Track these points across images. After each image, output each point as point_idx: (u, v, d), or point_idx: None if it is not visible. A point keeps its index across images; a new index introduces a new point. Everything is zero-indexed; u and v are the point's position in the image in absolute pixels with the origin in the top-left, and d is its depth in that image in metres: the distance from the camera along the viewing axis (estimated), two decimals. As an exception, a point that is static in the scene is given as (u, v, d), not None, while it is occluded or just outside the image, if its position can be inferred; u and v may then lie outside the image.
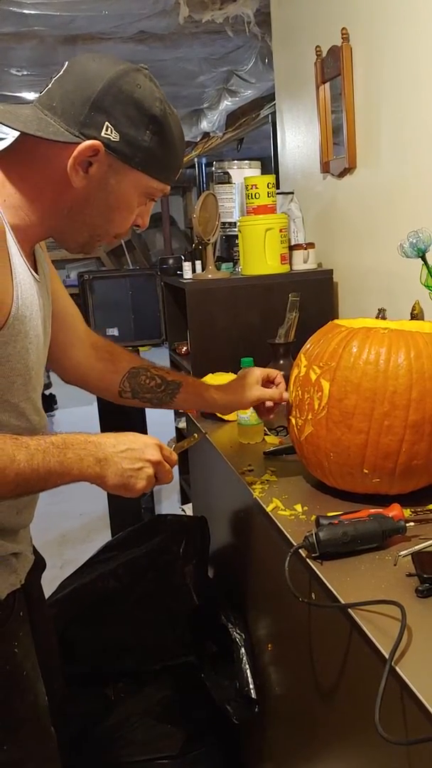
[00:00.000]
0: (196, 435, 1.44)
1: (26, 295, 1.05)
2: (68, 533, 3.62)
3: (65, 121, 1.00)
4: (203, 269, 2.45)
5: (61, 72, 1.04)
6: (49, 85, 1.03)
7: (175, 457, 1.14)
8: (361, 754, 1.01)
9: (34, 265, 1.12)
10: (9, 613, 1.15)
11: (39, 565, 1.35)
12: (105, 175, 1.04)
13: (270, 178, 2.40)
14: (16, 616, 1.16)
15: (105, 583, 1.72)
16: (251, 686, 1.53)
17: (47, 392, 5.73)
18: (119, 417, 3.46)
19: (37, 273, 1.11)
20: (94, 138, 1.00)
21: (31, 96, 4.48)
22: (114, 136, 1.01)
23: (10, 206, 1.04)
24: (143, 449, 1.07)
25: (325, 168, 2.43)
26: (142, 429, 3.51)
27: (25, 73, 3.98)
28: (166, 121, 1.05)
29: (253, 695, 1.53)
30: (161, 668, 1.71)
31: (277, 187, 2.57)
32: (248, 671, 1.55)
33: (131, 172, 1.05)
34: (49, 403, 5.82)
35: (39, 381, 1.16)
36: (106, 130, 1.00)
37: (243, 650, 1.58)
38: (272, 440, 1.73)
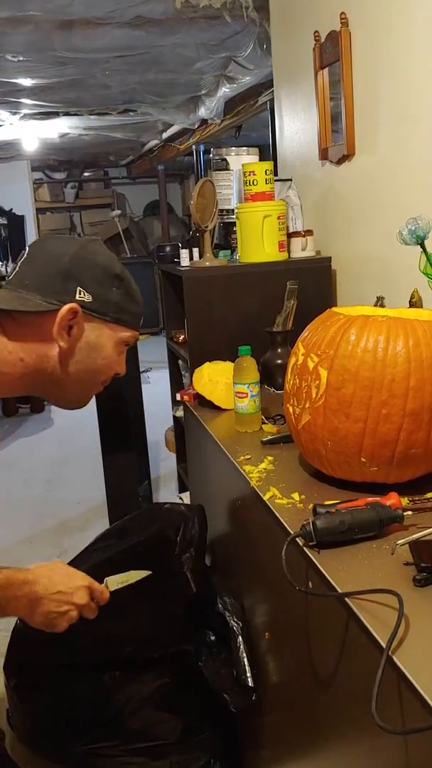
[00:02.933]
0: (135, 573, 1.38)
1: None
2: (66, 521, 3.62)
3: (41, 294, 1.12)
4: (201, 257, 2.44)
5: (26, 256, 1.16)
6: (17, 269, 1.15)
7: (106, 596, 1.26)
8: (358, 742, 1.01)
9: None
10: None
11: None
12: (84, 334, 1.15)
13: (268, 165, 2.38)
14: None
15: (103, 571, 1.71)
16: (248, 674, 1.54)
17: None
18: (116, 404, 3.46)
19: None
20: (71, 302, 1.12)
21: (26, 82, 4.43)
22: (87, 298, 1.13)
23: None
24: (73, 593, 1.18)
25: (324, 155, 2.41)
26: (140, 416, 3.51)
27: (21, 58, 3.94)
28: (125, 276, 1.19)
29: (251, 683, 1.53)
30: (159, 656, 1.71)
31: (275, 174, 2.55)
32: (245, 659, 1.55)
33: (106, 326, 1.17)
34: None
35: None
36: (80, 294, 1.13)
37: (240, 638, 1.58)
38: (270, 429, 1.73)
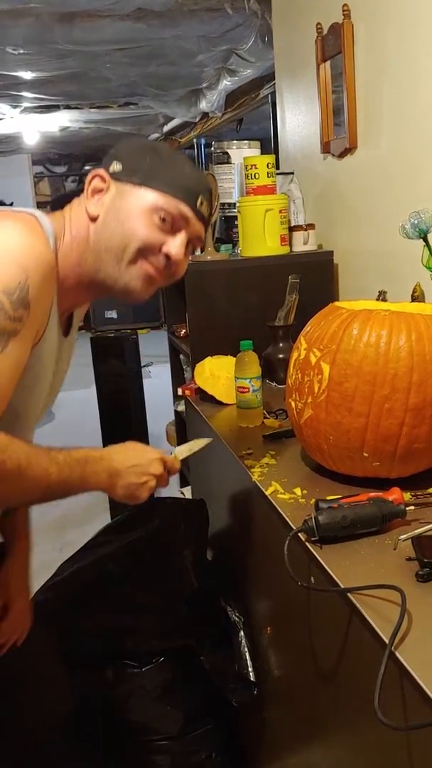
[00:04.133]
0: (200, 441, 1.40)
1: (49, 341, 1.13)
2: (67, 515, 3.62)
3: None
4: (202, 251, 2.43)
5: None
6: None
7: (177, 465, 1.27)
8: (360, 738, 1.01)
9: (66, 325, 1.24)
10: None
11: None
12: (113, 200, 1.14)
13: (270, 158, 2.37)
14: None
15: (104, 566, 1.72)
16: (250, 669, 1.54)
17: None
18: (117, 398, 3.46)
19: (67, 333, 1.24)
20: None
21: (27, 75, 4.41)
22: (117, 167, 1.14)
23: (59, 252, 1.14)
24: (149, 464, 1.19)
25: (326, 148, 2.40)
26: (141, 411, 3.51)
27: (22, 51, 3.92)
28: (165, 147, 1.18)
29: (252, 678, 1.54)
30: (160, 651, 1.71)
31: (277, 167, 2.54)
32: (247, 654, 1.55)
33: (134, 190, 1.13)
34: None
35: (28, 425, 1.22)
36: (113, 165, 1.15)
37: (242, 633, 1.58)
38: (271, 423, 1.73)
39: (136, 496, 1.19)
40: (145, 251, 1.13)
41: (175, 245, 1.14)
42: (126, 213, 1.12)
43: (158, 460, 1.21)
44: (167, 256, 1.15)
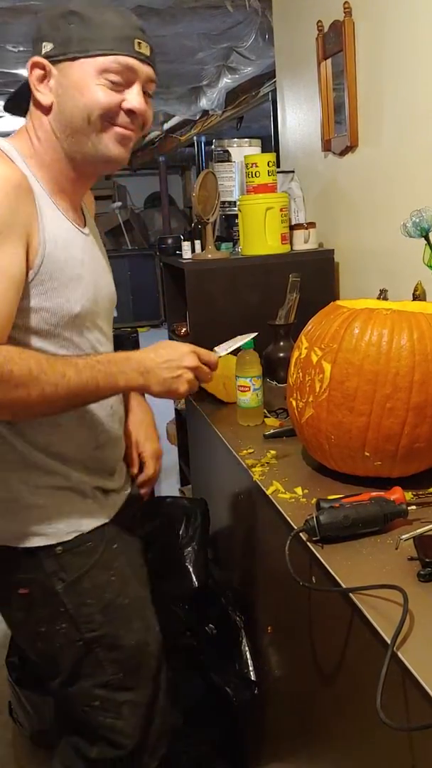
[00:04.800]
0: (241, 337, 1.38)
1: (64, 243, 1.17)
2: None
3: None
4: (203, 249, 2.42)
5: None
6: None
7: (215, 358, 1.27)
8: (362, 738, 1.01)
9: (81, 221, 1.28)
10: (98, 544, 1.27)
11: (134, 499, 1.45)
12: (59, 81, 1.15)
13: (270, 157, 2.37)
14: (107, 547, 1.28)
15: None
16: (251, 668, 1.54)
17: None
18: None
19: (85, 227, 1.27)
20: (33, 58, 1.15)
21: (27, 73, 4.41)
22: (48, 48, 1.14)
23: (34, 162, 1.19)
24: (181, 358, 1.20)
25: (327, 146, 2.39)
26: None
27: (21, 49, 3.92)
28: (82, 7, 1.13)
29: (253, 677, 1.53)
30: (161, 650, 1.71)
31: (278, 165, 2.53)
32: (248, 653, 1.55)
33: (74, 64, 1.13)
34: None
35: (96, 324, 1.27)
36: (43, 48, 1.14)
37: (243, 632, 1.58)
38: (272, 422, 1.72)
39: (175, 390, 1.19)
40: (108, 116, 1.16)
41: (133, 98, 1.16)
42: (75, 89, 1.14)
43: (191, 353, 1.21)
44: (131, 111, 1.17)
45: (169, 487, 3.76)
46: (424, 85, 1.80)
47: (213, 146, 2.67)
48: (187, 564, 1.67)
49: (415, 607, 0.91)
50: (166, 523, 1.73)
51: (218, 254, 2.38)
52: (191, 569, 1.66)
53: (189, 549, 1.68)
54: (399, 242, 1.61)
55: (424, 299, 1.76)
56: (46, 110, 1.17)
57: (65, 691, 1.32)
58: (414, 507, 1.16)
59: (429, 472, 1.30)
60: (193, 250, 2.48)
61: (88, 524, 1.26)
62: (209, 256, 2.35)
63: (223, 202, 2.56)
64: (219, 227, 2.68)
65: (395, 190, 2.01)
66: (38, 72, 1.15)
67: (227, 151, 2.56)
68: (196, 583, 1.67)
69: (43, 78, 1.15)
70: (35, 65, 1.15)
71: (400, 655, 0.83)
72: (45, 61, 1.14)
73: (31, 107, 1.20)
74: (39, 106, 1.17)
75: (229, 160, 2.56)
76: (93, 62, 1.13)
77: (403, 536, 1.04)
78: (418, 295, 1.76)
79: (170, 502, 1.83)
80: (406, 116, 1.91)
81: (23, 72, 4.37)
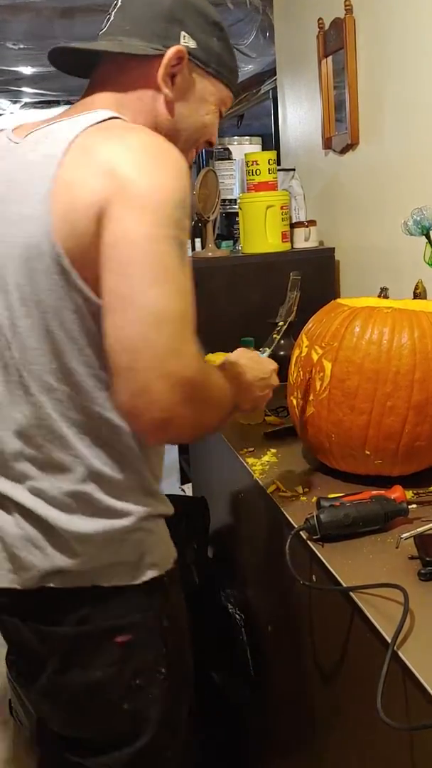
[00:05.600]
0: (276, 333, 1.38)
1: None
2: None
3: (145, 39, 1.03)
4: (203, 247, 2.42)
5: (118, 5, 1.06)
6: (111, 19, 1.06)
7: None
8: (362, 738, 1.00)
9: None
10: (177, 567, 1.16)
11: None
12: (189, 83, 1.06)
13: (271, 155, 2.36)
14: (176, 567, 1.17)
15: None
16: (251, 667, 1.53)
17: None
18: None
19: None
20: (176, 46, 1.03)
21: (27, 70, 4.40)
22: (192, 44, 1.04)
23: None
24: (270, 377, 1.19)
25: (327, 144, 2.39)
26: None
27: (22, 46, 3.91)
28: (224, 27, 1.09)
29: (253, 676, 1.53)
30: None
31: (278, 163, 2.53)
32: (248, 652, 1.55)
33: (208, 79, 1.08)
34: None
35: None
36: (184, 38, 1.04)
37: (243, 631, 1.58)
38: (273, 421, 1.72)
39: (256, 407, 1.19)
40: (200, 142, 1.13)
41: (216, 134, 1.14)
42: (199, 102, 1.08)
43: (275, 371, 1.20)
44: (209, 143, 1.14)
45: (170, 485, 3.76)
46: (425, 83, 1.80)
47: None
48: (187, 562, 1.66)
49: (416, 606, 0.90)
50: (166, 522, 1.72)
51: (219, 252, 2.38)
52: (191, 567, 1.66)
53: (189, 547, 1.68)
54: (400, 240, 1.61)
55: (425, 297, 1.76)
56: (156, 101, 1.05)
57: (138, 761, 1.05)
58: (415, 506, 1.16)
59: (430, 471, 1.29)
60: (193, 248, 2.48)
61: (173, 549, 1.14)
62: (209, 254, 2.35)
63: (224, 200, 2.56)
64: (219, 225, 2.68)
65: (396, 188, 2.01)
66: (174, 63, 1.03)
67: (228, 149, 2.56)
68: (197, 581, 1.67)
69: (174, 73, 1.04)
70: (178, 55, 1.02)
71: (400, 654, 0.83)
72: (186, 58, 1.04)
73: (136, 83, 1.04)
74: (151, 95, 1.04)
75: (229, 158, 2.56)
76: (220, 89, 1.10)
77: (404, 535, 1.03)
78: (419, 294, 1.75)
79: (170, 500, 1.83)
80: (406, 114, 1.91)
81: (23, 69, 4.37)
